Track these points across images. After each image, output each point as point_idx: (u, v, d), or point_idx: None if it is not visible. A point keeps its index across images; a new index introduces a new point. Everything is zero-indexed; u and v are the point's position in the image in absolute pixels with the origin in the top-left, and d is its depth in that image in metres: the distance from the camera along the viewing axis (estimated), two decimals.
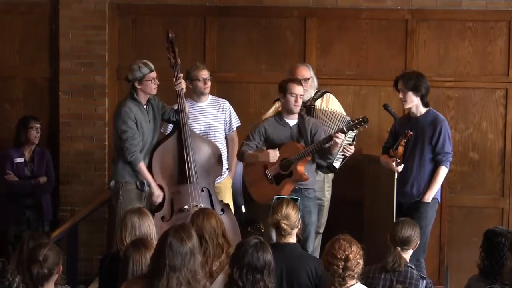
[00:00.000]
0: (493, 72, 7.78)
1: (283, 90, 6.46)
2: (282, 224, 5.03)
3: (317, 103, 6.91)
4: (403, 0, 7.76)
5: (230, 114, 7.09)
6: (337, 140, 6.29)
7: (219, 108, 7.05)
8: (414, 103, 6.40)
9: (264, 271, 4.29)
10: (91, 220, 7.80)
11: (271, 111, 7.00)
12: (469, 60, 7.79)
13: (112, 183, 6.58)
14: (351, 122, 6.40)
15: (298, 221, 5.12)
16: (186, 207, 6.53)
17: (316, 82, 7.01)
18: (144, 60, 6.54)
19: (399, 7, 7.78)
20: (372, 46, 7.86)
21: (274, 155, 6.42)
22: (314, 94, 6.96)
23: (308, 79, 6.89)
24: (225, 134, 7.08)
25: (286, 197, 5.46)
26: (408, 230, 5.16)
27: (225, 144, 7.04)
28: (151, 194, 6.56)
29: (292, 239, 5.10)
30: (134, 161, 6.43)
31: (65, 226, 7.04)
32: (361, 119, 6.35)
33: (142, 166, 6.48)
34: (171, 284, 4.01)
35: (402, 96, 6.41)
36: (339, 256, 4.29)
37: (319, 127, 6.56)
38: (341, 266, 4.29)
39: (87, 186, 8.05)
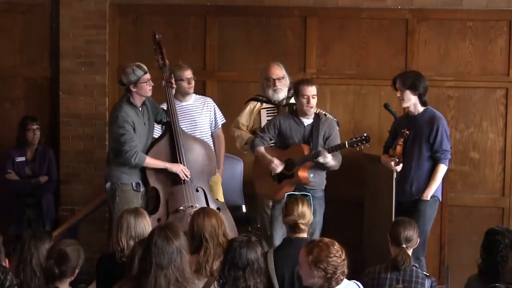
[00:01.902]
0: (493, 72, 7.77)
1: (296, 92, 6.46)
2: (300, 225, 5.10)
3: (292, 101, 6.89)
4: (404, 0, 7.77)
5: (214, 111, 7.09)
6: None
7: (203, 106, 7.05)
8: (412, 102, 6.43)
9: (246, 269, 4.27)
10: (92, 220, 7.80)
11: (246, 112, 7.04)
12: (469, 59, 7.78)
13: (108, 184, 6.53)
14: (354, 139, 6.37)
15: (311, 217, 5.23)
16: (181, 208, 6.50)
17: (288, 81, 7.00)
18: (137, 63, 6.47)
19: (399, 7, 7.77)
20: (372, 45, 7.86)
21: (275, 165, 6.43)
22: (288, 92, 6.96)
23: (282, 78, 6.90)
24: (211, 132, 7.07)
25: (297, 193, 5.45)
26: (410, 229, 5.16)
27: (212, 142, 7.03)
28: (145, 193, 6.56)
29: (304, 234, 5.15)
30: (139, 161, 6.38)
31: (66, 226, 7.06)
32: (363, 137, 6.32)
33: (149, 160, 6.43)
34: (159, 282, 4.03)
35: (399, 95, 6.44)
36: (339, 261, 4.19)
37: (333, 131, 6.52)
38: (343, 269, 4.22)
39: (87, 185, 8.05)
